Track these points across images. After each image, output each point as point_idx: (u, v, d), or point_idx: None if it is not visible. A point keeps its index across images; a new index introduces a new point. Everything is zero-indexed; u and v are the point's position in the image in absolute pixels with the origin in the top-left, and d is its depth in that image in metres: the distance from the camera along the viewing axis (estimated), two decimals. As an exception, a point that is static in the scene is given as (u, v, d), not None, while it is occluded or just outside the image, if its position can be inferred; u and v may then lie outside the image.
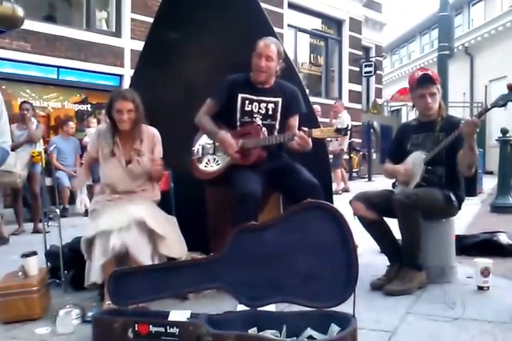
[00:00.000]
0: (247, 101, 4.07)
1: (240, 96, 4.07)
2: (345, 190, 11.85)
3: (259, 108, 4.07)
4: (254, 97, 4.08)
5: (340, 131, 3.56)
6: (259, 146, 3.91)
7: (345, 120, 11.82)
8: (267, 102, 4.09)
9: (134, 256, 3.39)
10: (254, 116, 4.06)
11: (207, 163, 4.10)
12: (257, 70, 4.02)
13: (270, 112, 4.08)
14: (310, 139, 3.70)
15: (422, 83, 3.99)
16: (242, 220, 3.28)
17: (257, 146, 3.91)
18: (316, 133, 3.66)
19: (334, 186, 8.92)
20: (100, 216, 3.61)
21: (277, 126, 4.11)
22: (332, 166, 10.74)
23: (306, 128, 3.72)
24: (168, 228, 3.68)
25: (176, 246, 3.67)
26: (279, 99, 4.11)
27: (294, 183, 3.79)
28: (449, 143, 3.80)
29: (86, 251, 3.54)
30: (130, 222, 3.43)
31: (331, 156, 11.16)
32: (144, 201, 3.74)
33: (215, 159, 4.08)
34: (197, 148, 4.21)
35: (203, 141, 4.20)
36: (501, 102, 3.52)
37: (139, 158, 3.83)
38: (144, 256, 3.43)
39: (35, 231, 5.52)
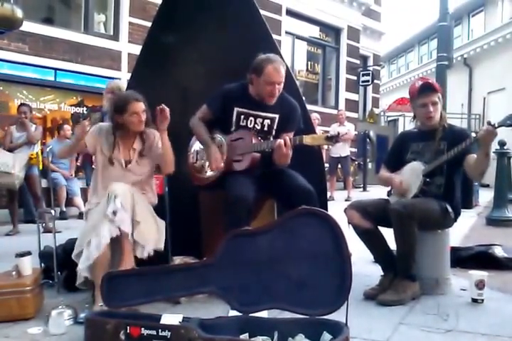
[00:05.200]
0: (242, 116, 4.00)
1: (235, 109, 3.99)
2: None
3: (255, 123, 4.01)
4: (251, 112, 4.00)
5: (331, 139, 3.51)
6: (251, 152, 3.88)
7: (351, 128, 12.25)
8: (264, 118, 4.02)
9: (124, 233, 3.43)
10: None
11: (201, 169, 4.10)
12: (269, 96, 3.91)
13: (266, 128, 4.03)
14: (291, 152, 3.69)
15: (423, 91, 3.96)
16: (233, 224, 3.30)
17: (245, 153, 3.89)
18: (307, 140, 3.61)
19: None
20: (92, 218, 3.60)
21: None
22: (328, 173, 10.79)
23: (291, 137, 3.75)
24: (148, 218, 3.67)
25: (150, 235, 3.61)
26: (277, 116, 4.03)
27: (289, 189, 3.77)
28: (452, 157, 3.78)
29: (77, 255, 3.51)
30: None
31: (327, 165, 11.21)
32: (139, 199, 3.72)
33: (208, 165, 4.06)
34: (192, 153, 4.21)
35: (198, 145, 4.19)
36: (509, 122, 3.47)
37: (138, 159, 3.84)
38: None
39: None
